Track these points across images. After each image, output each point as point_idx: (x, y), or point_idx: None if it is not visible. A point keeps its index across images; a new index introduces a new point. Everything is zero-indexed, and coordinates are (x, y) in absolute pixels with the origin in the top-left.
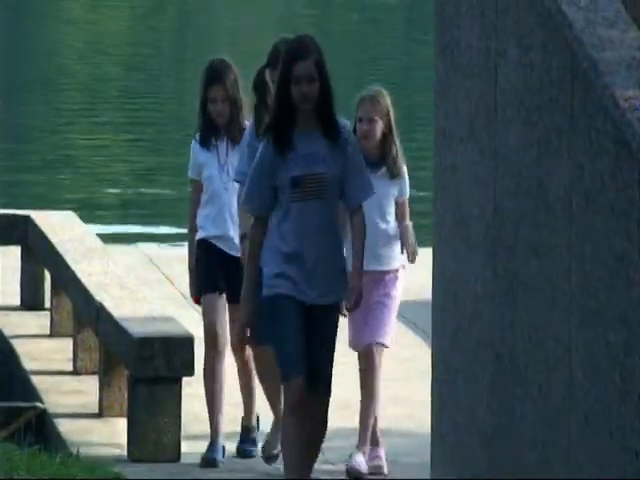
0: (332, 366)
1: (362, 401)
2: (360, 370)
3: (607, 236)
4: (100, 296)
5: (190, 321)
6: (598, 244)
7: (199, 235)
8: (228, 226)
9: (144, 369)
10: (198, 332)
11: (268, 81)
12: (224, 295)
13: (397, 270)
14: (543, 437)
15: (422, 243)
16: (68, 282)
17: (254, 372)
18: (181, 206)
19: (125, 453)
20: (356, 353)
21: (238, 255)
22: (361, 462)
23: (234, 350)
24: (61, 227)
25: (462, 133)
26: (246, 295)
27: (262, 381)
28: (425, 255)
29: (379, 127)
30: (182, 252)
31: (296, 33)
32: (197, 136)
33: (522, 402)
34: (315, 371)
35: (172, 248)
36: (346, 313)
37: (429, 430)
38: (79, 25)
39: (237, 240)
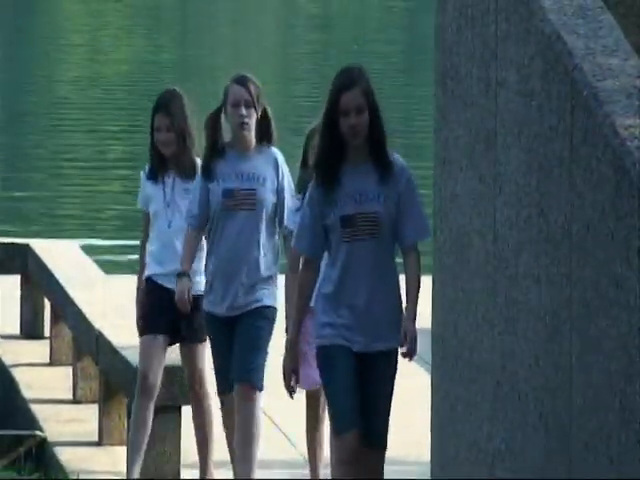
0: (388, 418)
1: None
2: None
3: (607, 264)
4: (100, 324)
5: None
6: (598, 272)
7: (145, 273)
8: (172, 264)
9: None
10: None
11: (222, 122)
12: (163, 337)
13: None
14: (543, 464)
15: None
16: (68, 311)
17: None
18: None
19: None
20: None
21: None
22: None
23: (196, 393)
24: (61, 256)
25: (462, 161)
26: (292, 339)
27: (225, 427)
28: (424, 283)
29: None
30: None
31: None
32: (146, 168)
33: (522, 430)
34: (369, 423)
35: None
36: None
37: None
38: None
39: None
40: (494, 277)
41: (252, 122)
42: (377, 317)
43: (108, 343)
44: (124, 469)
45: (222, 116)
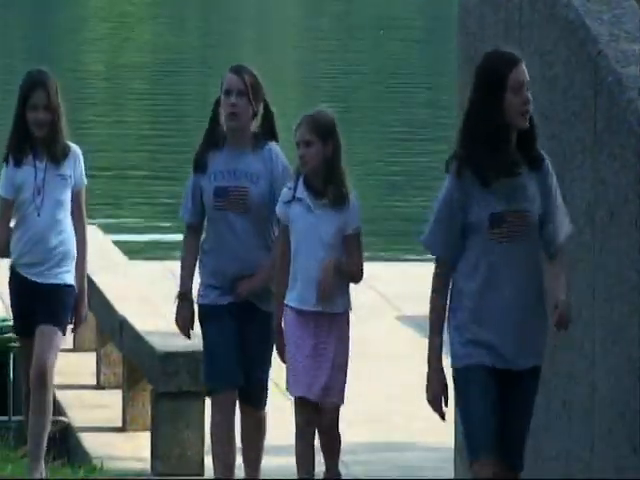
0: (527, 439)
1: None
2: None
3: (629, 250)
4: (123, 310)
5: None
6: (620, 258)
7: (10, 262)
8: (40, 254)
9: (168, 384)
10: None
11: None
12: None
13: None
14: (566, 450)
15: None
16: (91, 297)
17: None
18: None
19: (148, 467)
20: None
21: (49, 282)
22: None
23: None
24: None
25: None
26: (435, 367)
27: (214, 441)
28: None
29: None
30: None
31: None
32: (10, 154)
33: (546, 415)
34: (508, 444)
35: None
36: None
37: (448, 444)
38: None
39: (61, 270)
40: None
41: (243, 113)
42: (525, 330)
43: (132, 329)
44: (147, 455)
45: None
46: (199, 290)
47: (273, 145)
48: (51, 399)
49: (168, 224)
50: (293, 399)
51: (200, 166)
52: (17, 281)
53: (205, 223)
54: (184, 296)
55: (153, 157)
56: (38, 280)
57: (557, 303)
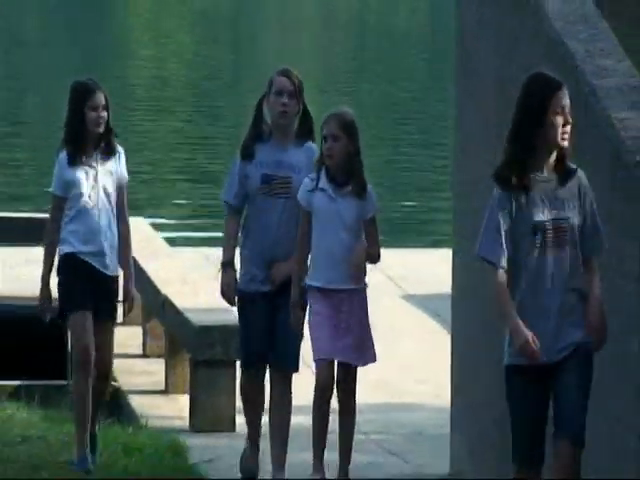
0: (585, 415)
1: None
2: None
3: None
4: (165, 290)
5: None
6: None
7: (64, 250)
8: (99, 244)
9: (204, 353)
10: None
11: (264, 110)
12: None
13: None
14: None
15: (443, 243)
16: (138, 278)
17: None
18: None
19: (187, 424)
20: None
21: (108, 274)
22: None
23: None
24: (132, 230)
25: (479, 151)
26: (516, 320)
27: (244, 402)
28: (446, 253)
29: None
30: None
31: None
32: (62, 153)
33: None
34: (571, 419)
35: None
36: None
37: (448, 407)
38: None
39: (114, 262)
40: None
41: (292, 112)
42: (567, 325)
43: (173, 306)
44: (186, 414)
45: (264, 105)
46: (239, 278)
47: (311, 143)
48: (109, 387)
49: (200, 220)
50: (315, 366)
51: (248, 154)
52: (76, 265)
53: (246, 209)
54: (227, 265)
55: (186, 162)
56: (101, 269)
57: (590, 322)
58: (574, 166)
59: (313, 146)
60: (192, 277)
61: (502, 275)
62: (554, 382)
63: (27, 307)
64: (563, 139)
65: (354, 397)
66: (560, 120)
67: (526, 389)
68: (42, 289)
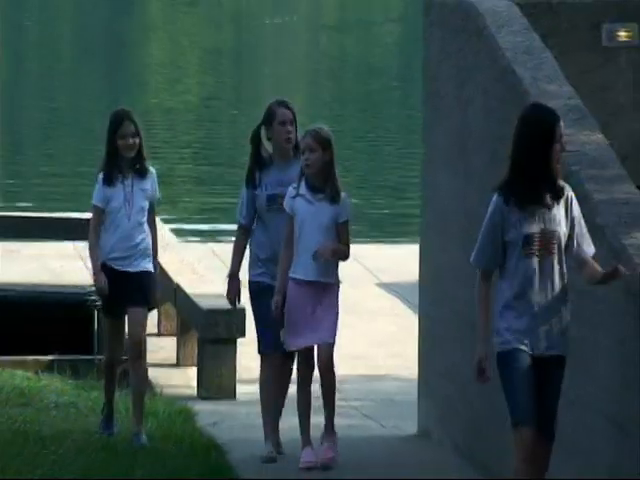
0: (556, 414)
1: None
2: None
3: None
4: (177, 279)
5: (243, 297)
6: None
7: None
8: (128, 250)
9: (210, 332)
10: (248, 306)
11: (262, 137)
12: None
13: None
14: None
15: (414, 241)
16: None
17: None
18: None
19: (195, 393)
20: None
21: (138, 271)
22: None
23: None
24: None
25: (443, 160)
26: (482, 336)
27: (261, 391)
28: (415, 249)
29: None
30: None
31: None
32: (100, 174)
33: None
34: (546, 418)
35: (230, 243)
36: None
37: (415, 377)
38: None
39: (144, 261)
40: (465, 245)
41: (294, 137)
42: (552, 326)
43: (184, 292)
44: (194, 384)
45: (261, 133)
46: (252, 274)
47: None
48: (146, 367)
49: (209, 215)
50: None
51: (252, 182)
52: (107, 273)
53: (256, 222)
54: (233, 276)
55: (194, 169)
56: (129, 269)
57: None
58: (562, 183)
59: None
60: (200, 268)
61: (485, 284)
62: (540, 378)
63: (59, 294)
64: (558, 162)
65: (331, 375)
66: (559, 147)
67: (517, 365)
68: (96, 277)
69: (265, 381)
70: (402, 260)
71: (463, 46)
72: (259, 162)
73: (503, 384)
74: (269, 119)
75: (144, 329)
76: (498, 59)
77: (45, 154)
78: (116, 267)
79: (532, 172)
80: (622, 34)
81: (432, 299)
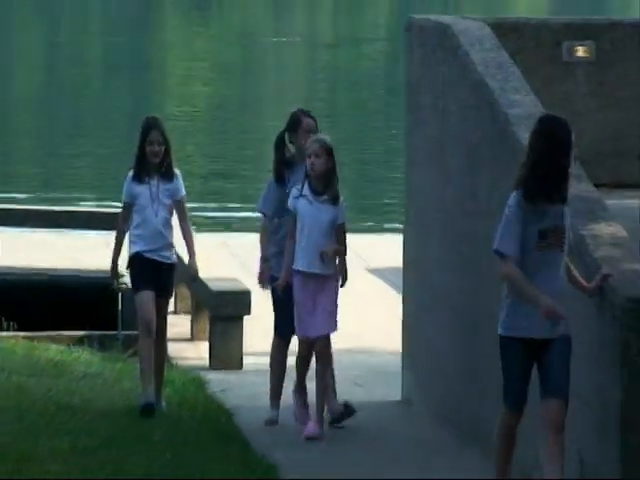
0: (568, 381)
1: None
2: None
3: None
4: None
5: (249, 281)
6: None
7: (134, 249)
8: (156, 243)
9: (220, 311)
10: (253, 287)
11: (286, 142)
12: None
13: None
14: (478, 367)
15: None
16: None
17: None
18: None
19: (207, 364)
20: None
21: (164, 262)
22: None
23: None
24: None
25: (424, 162)
26: (538, 296)
27: (272, 365)
28: (399, 240)
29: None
30: (246, 237)
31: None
32: (130, 173)
33: (471, 337)
34: (555, 380)
35: (239, 235)
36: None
37: (399, 352)
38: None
39: (170, 254)
40: (444, 236)
41: None
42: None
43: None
44: (207, 356)
45: (285, 136)
46: (272, 263)
47: None
48: (167, 346)
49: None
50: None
51: (282, 178)
52: (143, 261)
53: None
54: (265, 259)
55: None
56: (158, 259)
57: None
58: (567, 192)
59: None
60: (211, 255)
61: (514, 265)
62: (542, 354)
63: (90, 277)
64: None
65: (328, 355)
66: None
67: (517, 353)
68: (112, 268)
69: (276, 358)
70: (391, 248)
71: (440, 62)
72: (286, 162)
73: (502, 366)
74: (294, 126)
75: (165, 319)
76: (471, 73)
77: (75, 154)
78: (149, 257)
79: (553, 176)
80: (580, 51)
81: (414, 284)
